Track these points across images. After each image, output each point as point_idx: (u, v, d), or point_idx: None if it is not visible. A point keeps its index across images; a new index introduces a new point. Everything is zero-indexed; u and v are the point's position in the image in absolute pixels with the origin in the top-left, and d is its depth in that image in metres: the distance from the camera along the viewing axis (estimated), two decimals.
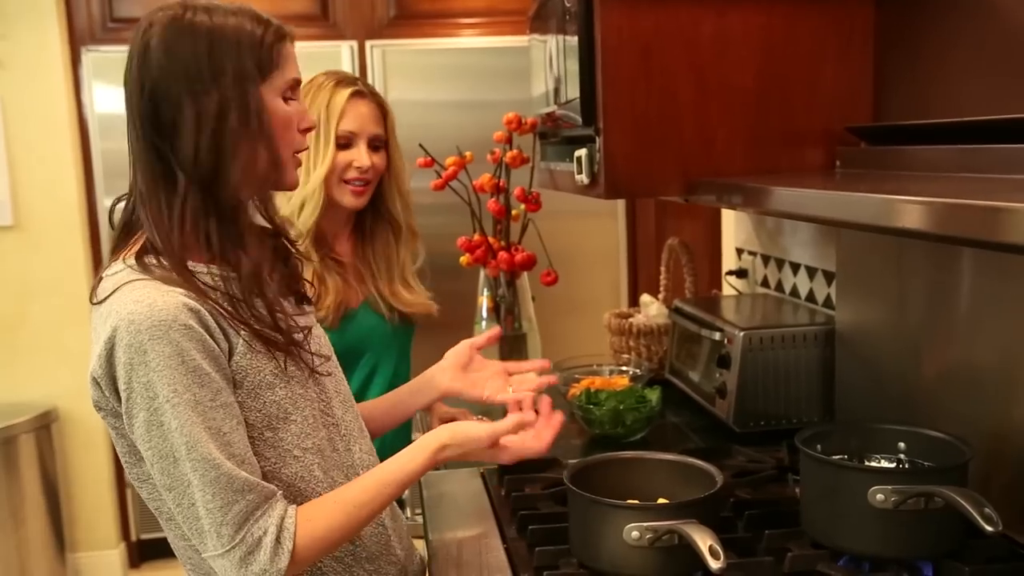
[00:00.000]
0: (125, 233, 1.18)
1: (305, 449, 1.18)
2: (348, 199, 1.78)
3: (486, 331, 1.75)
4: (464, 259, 2.17)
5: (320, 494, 1.19)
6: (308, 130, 1.21)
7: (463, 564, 1.35)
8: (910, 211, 0.99)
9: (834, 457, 1.36)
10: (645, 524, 1.17)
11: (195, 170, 1.11)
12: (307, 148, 1.23)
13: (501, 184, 2.15)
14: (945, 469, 1.23)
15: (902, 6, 1.59)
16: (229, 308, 1.12)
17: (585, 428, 1.89)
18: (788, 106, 1.65)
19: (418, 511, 1.84)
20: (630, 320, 2.26)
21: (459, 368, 1.60)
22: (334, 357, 1.32)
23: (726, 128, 1.65)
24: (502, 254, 2.12)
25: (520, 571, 1.30)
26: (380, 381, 1.87)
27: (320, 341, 1.29)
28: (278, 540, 1.09)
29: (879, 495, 1.20)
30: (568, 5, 1.71)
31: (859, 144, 1.62)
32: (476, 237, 2.14)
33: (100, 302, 1.10)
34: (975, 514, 1.06)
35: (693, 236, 2.83)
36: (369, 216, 1.87)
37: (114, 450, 3.51)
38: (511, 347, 2.19)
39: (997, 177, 1.19)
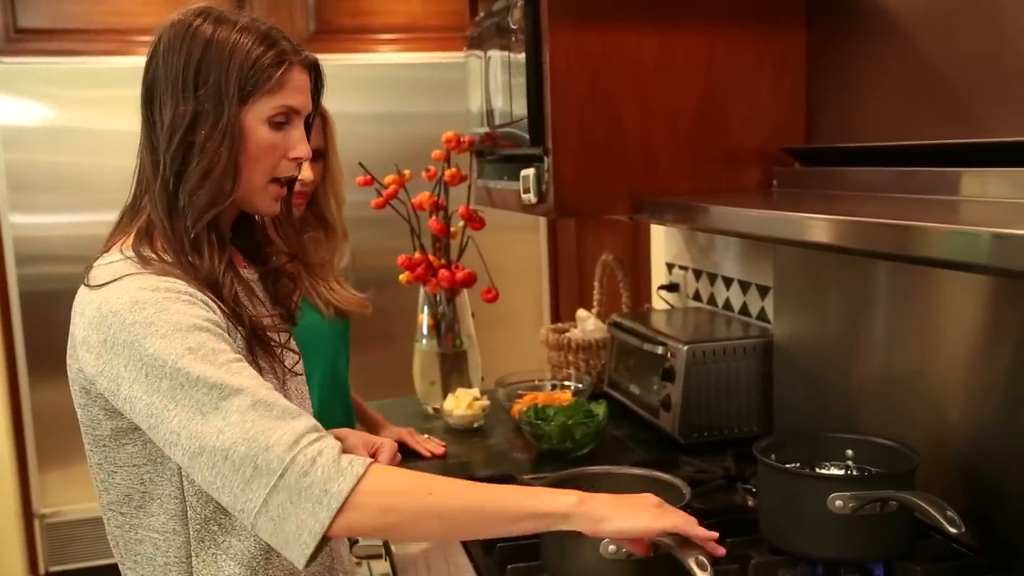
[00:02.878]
0: (126, 220, 1.19)
1: None
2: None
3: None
4: (404, 277, 2.17)
5: None
6: (297, 160, 1.19)
7: None
8: (836, 229, 1.08)
9: (788, 466, 1.41)
10: None
11: (166, 168, 1.13)
12: (291, 176, 1.22)
13: (440, 202, 2.16)
14: (897, 474, 1.30)
15: (831, 33, 1.68)
16: (221, 303, 1.13)
17: (533, 443, 1.91)
18: (727, 127, 1.72)
19: None
20: (567, 335, 2.29)
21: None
22: (301, 364, 1.31)
23: (669, 149, 1.70)
24: (443, 272, 2.13)
25: None
26: (318, 378, 1.87)
27: (292, 345, 1.29)
28: (337, 461, 0.99)
29: (838, 501, 1.26)
30: (514, 27, 1.74)
31: (794, 164, 1.70)
32: (417, 255, 2.15)
33: (96, 287, 1.10)
34: (939, 517, 1.13)
35: (614, 250, 2.88)
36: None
37: (21, 479, 3.37)
38: (451, 364, 2.20)
39: (922, 198, 1.28)
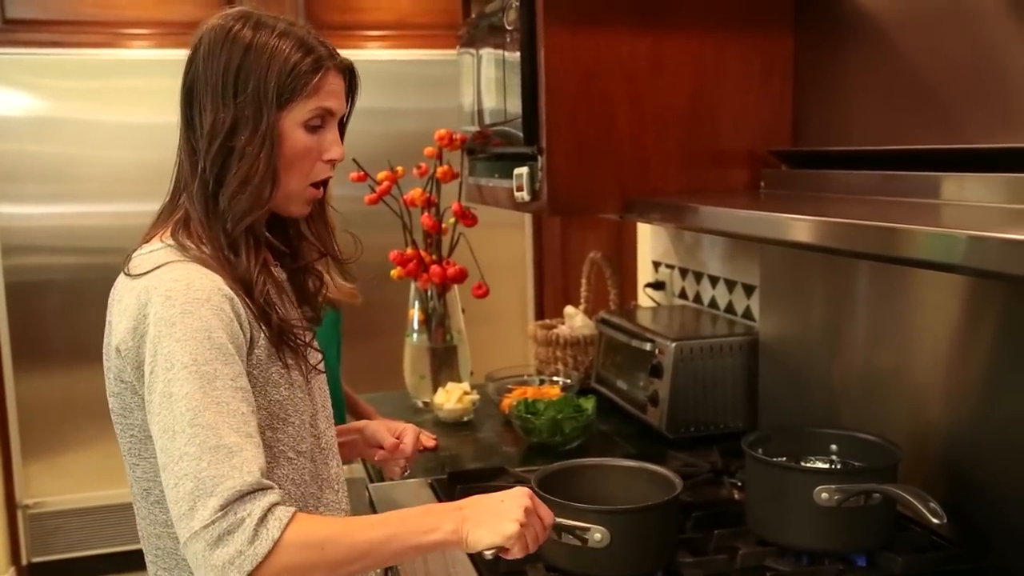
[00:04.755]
0: (165, 215, 1.21)
1: (299, 452, 1.20)
2: None
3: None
4: (395, 272, 2.19)
5: (307, 499, 1.20)
6: (332, 161, 1.22)
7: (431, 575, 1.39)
8: (821, 230, 1.12)
9: (775, 459, 1.45)
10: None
11: (205, 171, 1.16)
12: (329, 177, 1.24)
13: (432, 199, 2.19)
14: (881, 468, 1.35)
15: (818, 38, 1.72)
16: (251, 302, 1.15)
17: (523, 437, 1.94)
18: (717, 129, 1.76)
19: None
20: (556, 331, 2.33)
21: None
22: (323, 362, 1.33)
23: (660, 149, 1.74)
24: (434, 268, 2.16)
25: None
26: None
27: (315, 344, 1.32)
28: (263, 522, 1.01)
29: (823, 494, 1.30)
30: (510, 28, 1.77)
31: (781, 166, 1.74)
32: (409, 251, 2.17)
33: (137, 276, 1.12)
34: (922, 509, 1.17)
35: (598, 248, 2.91)
36: None
37: (4, 469, 3.37)
38: (442, 359, 2.23)
39: (904, 200, 1.32)
